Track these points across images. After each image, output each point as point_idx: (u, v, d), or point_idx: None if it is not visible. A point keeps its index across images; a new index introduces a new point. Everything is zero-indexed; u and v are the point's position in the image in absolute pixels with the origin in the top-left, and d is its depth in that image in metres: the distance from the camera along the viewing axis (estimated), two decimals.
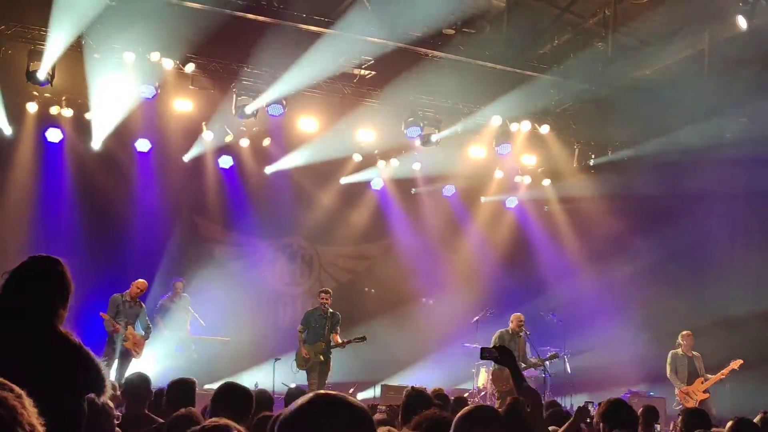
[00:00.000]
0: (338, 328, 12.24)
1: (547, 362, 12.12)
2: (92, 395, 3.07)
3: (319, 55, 11.79)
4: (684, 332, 12.00)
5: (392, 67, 12.57)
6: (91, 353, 3.11)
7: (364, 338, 12.23)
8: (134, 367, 11.08)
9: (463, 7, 11.53)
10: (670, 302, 13.96)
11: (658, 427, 7.64)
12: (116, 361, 11.37)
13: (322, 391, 1.73)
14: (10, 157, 13.05)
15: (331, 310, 12.22)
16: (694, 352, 11.92)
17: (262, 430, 4.80)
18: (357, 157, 15.14)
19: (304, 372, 12.08)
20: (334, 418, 1.65)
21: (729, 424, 5.09)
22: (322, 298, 12.30)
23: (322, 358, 12.01)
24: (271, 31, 11.38)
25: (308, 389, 11.40)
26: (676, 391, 11.82)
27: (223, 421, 3.43)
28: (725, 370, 11.68)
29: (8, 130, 12.74)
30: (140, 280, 11.72)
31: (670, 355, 11.96)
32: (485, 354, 4.64)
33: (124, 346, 11.37)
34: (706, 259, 13.85)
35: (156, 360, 12.33)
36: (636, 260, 14.97)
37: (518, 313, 12.19)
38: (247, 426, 4.26)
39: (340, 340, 12.07)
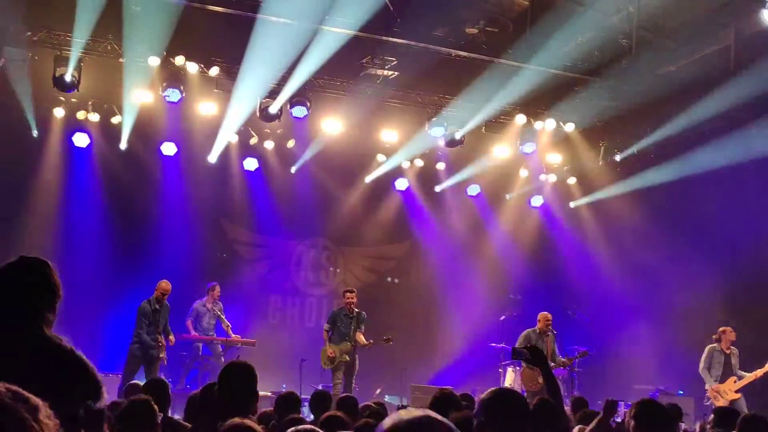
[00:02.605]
0: (363, 327, 12.20)
1: (577, 360, 12.01)
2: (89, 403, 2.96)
3: (342, 56, 11.80)
4: (724, 328, 11.76)
5: (416, 67, 12.53)
6: (85, 358, 3.03)
7: (389, 340, 12.20)
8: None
9: (486, 6, 11.49)
10: (700, 299, 13.80)
11: (683, 425, 7.54)
12: (142, 368, 11.25)
13: (425, 413, 1.67)
14: (38, 162, 13.19)
15: (356, 310, 12.23)
16: (732, 348, 11.70)
17: None
18: (381, 158, 15.12)
19: (329, 371, 12.08)
20: None
21: (738, 420, 5.06)
22: (347, 298, 12.28)
23: (347, 357, 11.97)
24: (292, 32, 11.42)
25: (333, 389, 11.42)
26: (707, 386, 11.65)
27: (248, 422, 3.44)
28: (760, 371, 11.41)
29: (36, 133, 12.87)
30: (164, 281, 11.41)
31: (707, 349, 11.75)
32: (516, 354, 4.61)
33: (154, 355, 11.13)
34: (737, 251, 13.63)
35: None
36: (663, 255, 14.83)
37: (546, 312, 12.10)
38: None
39: (365, 340, 12.04)
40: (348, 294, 12.37)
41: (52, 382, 2.77)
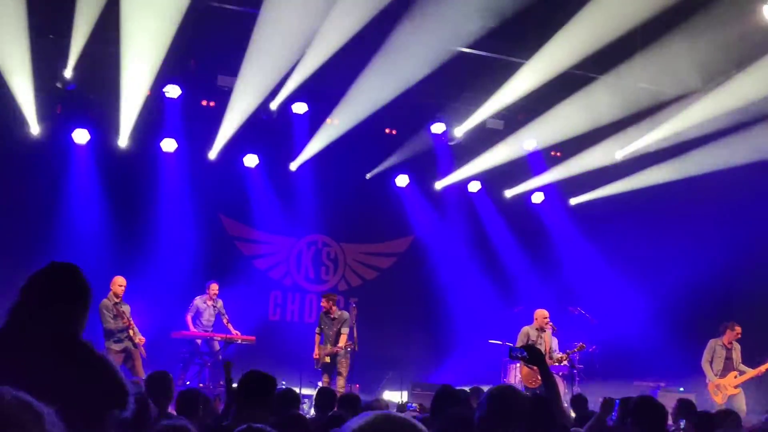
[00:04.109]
0: (344, 329, 12.15)
1: (575, 354, 12.00)
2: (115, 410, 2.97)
3: (344, 54, 11.79)
4: (730, 322, 11.75)
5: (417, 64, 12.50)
6: (116, 366, 3.04)
7: (353, 348, 12.06)
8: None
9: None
10: (701, 295, 13.80)
11: (682, 423, 7.51)
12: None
13: (383, 413, 1.67)
14: (38, 159, 13.17)
15: (339, 312, 12.23)
16: (734, 343, 11.68)
17: (291, 428, 4.82)
18: (382, 154, 15.10)
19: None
20: None
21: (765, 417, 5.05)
22: (322, 304, 12.34)
23: (328, 359, 11.99)
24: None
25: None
26: (707, 380, 11.64)
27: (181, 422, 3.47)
28: (762, 367, 11.40)
29: (36, 130, 12.86)
30: (117, 276, 11.43)
31: (709, 343, 11.75)
32: (513, 353, 4.59)
33: (132, 344, 11.25)
34: (739, 248, 13.61)
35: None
36: (664, 253, 14.83)
37: (542, 309, 12.12)
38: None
39: (340, 344, 12.01)
40: (323, 299, 12.43)
41: (81, 387, 2.77)
